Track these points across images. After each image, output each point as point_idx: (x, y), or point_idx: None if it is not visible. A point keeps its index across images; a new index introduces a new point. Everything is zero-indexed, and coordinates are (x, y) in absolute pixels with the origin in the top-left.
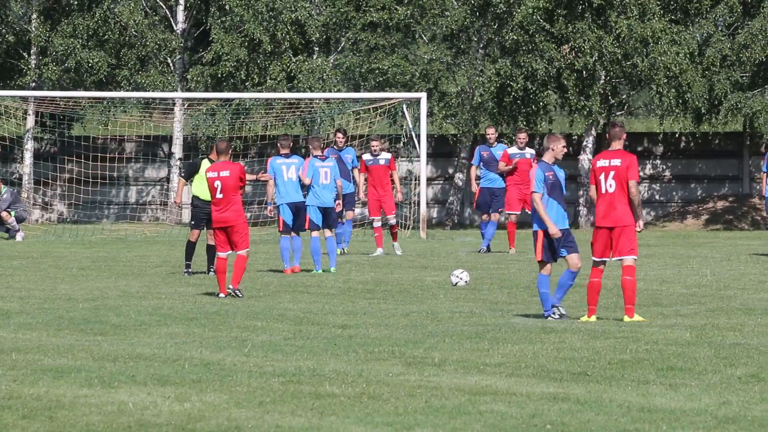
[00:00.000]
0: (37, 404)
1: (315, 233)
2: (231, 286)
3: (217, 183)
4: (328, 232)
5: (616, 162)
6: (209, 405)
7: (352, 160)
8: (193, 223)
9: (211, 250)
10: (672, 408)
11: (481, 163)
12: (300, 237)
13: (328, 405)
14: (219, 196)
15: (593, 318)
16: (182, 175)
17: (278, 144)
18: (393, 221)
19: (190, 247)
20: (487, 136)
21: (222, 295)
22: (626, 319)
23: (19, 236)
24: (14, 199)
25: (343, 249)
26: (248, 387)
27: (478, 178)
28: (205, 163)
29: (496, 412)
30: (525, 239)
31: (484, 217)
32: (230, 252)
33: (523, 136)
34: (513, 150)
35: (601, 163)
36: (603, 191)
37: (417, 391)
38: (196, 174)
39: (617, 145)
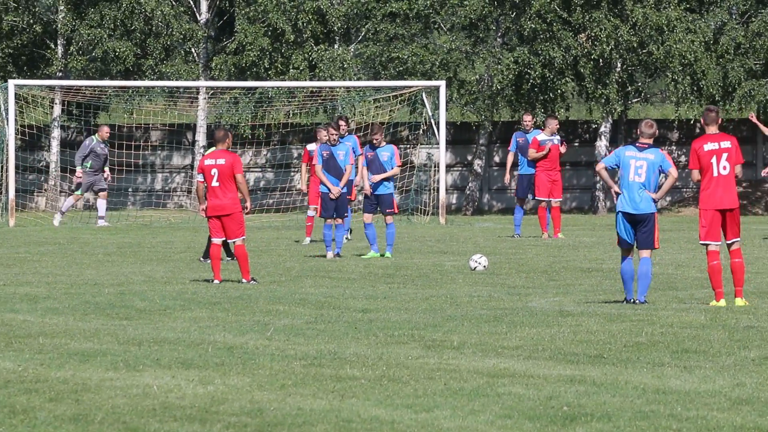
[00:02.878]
0: (64, 387)
1: (329, 221)
2: (244, 280)
3: (214, 171)
4: (338, 220)
5: (727, 144)
6: (232, 388)
7: (353, 147)
8: None
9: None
10: (686, 390)
11: (518, 150)
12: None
13: (349, 388)
14: (215, 184)
15: (722, 302)
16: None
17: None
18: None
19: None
20: (524, 123)
21: (216, 281)
22: (738, 302)
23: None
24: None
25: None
26: (270, 370)
27: (515, 165)
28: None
29: (514, 394)
30: (566, 223)
31: (520, 202)
32: (224, 239)
33: (555, 123)
34: (542, 136)
35: (710, 146)
36: (715, 174)
37: (436, 373)
38: None
39: (714, 128)
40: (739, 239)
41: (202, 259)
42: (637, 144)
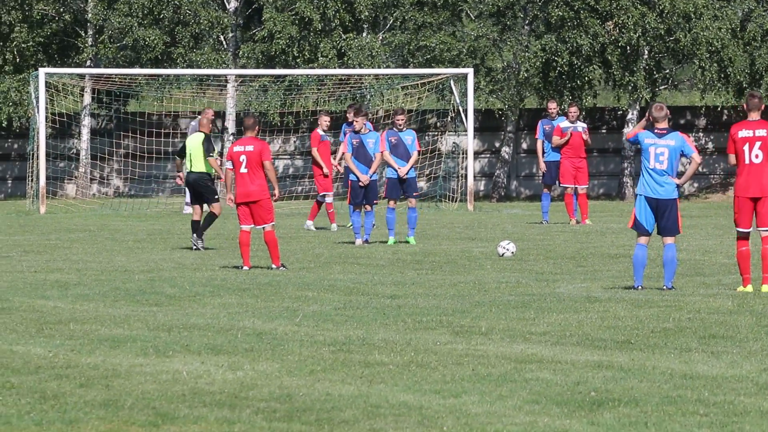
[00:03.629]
0: (94, 373)
1: (357, 208)
2: (274, 266)
3: (243, 158)
4: (367, 207)
5: (762, 132)
6: (261, 373)
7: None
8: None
9: (195, 225)
10: (714, 375)
11: (544, 137)
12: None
13: (377, 373)
14: (243, 170)
15: (749, 287)
16: (177, 155)
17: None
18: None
19: (195, 224)
20: (549, 110)
21: (245, 267)
22: (764, 288)
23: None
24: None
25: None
26: (299, 356)
27: (543, 151)
28: (192, 139)
29: (542, 380)
30: (594, 209)
31: (546, 189)
32: (252, 226)
33: (574, 110)
34: (565, 124)
35: (744, 133)
36: (747, 161)
37: (464, 359)
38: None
39: (756, 115)
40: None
41: (196, 243)
42: (654, 130)
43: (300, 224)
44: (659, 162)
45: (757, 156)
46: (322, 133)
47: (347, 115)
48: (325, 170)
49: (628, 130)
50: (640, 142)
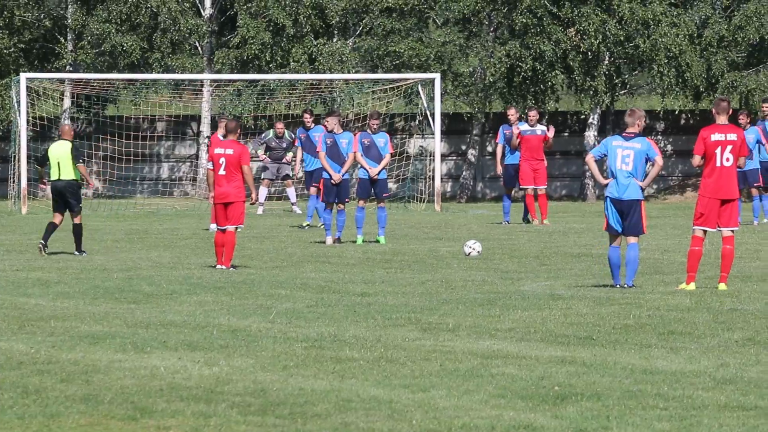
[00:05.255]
0: (75, 368)
1: (328, 206)
2: (222, 266)
3: (222, 160)
4: (339, 206)
5: (732, 137)
6: (236, 369)
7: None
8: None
9: (51, 228)
10: (673, 370)
11: (505, 142)
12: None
13: (348, 368)
14: (222, 172)
15: (692, 286)
16: (38, 163)
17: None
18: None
19: (52, 226)
20: (509, 116)
21: (220, 266)
22: (721, 286)
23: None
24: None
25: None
26: (273, 352)
27: (503, 156)
28: (59, 147)
29: (507, 375)
30: (556, 210)
31: (508, 191)
32: (228, 227)
33: (533, 114)
34: (524, 127)
35: (717, 137)
36: (718, 164)
37: (432, 355)
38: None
39: (724, 119)
40: (736, 228)
41: (43, 247)
42: (623, 134)
43: (272, 224)
44: (625, 164)
45: (728, 159)
46: (221, 137)
47: (304, 119)
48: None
49: (589, 135)
50: (608, 148)
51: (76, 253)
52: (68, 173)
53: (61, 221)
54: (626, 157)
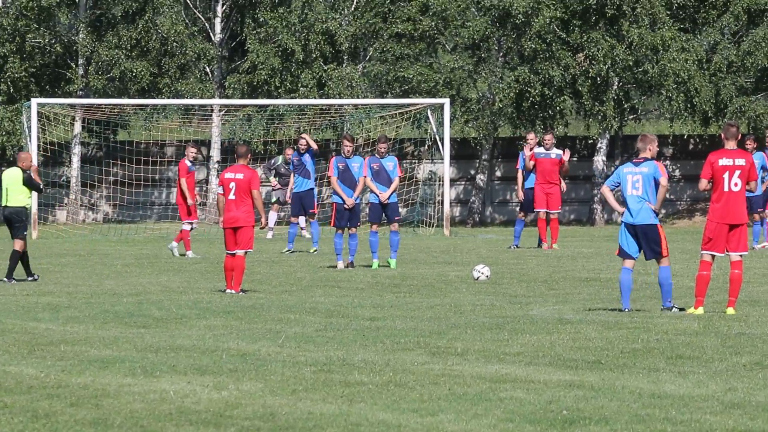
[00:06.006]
0: (84, 393)
1: (340, 231)
2: (232, 290)
3: (232, 184)
4: (352, 230)
5: (741, 162)
6: (245, 393)
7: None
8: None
9: (15, 256)
10: (681, 394)
11: (524, 168)
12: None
13: (357, 393)
14: (232, 197)
15: (700, 310)
16: None
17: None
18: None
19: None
20: (528, 141)
21: (229, 290)
22: (729, 311)
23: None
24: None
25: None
26: (282, 376)
27: (524, 179)
28: (11, 174)
29: (515, 399)
30: (565, 235)
31: (521, 215)
32: (237, 251)
33: (549, 138)
34: (539, 150)
35: (725, 161)
36: (726, 189)
37: (441, 379)
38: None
39: (733, 144)
40: (745, 253)
41: (6, 279)
42: (633, 160)
43: (281, 248)
44: (635, 188)
45: (736, 184)
46: (188, 164)
47: (299, 146)
48: (189, 200)
49: (598, 160)
50: (620, 176)
51: (29, 278)
52: (16, 200)
53: (22, 246)
54: (636, 182)
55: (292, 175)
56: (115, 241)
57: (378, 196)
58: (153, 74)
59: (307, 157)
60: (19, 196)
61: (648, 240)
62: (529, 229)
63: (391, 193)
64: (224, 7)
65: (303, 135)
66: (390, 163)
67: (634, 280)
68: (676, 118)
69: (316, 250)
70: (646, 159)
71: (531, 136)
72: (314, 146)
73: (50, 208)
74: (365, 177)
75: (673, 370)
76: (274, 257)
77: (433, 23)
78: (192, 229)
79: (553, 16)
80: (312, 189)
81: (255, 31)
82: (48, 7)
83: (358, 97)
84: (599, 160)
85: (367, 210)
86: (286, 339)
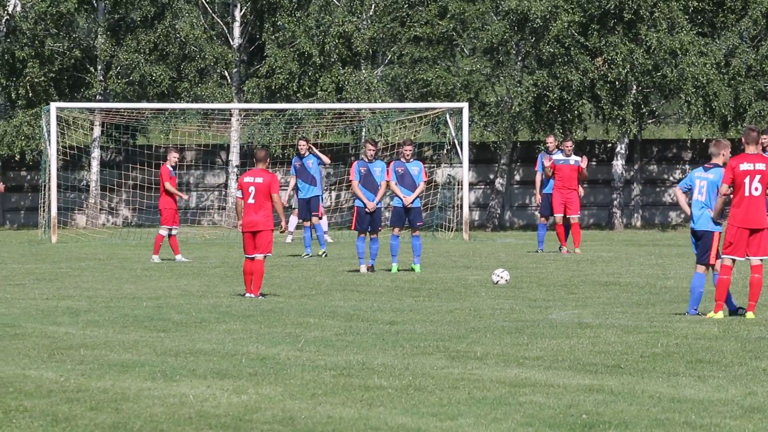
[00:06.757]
0: (104, 397)
1: (362, 234)
2: (251, 294)
3: (251, 189)
4: (373, 234)
5: (761, 166)
6: (265, 397)
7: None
8: None
9: None
10: (700, 398)
11: (543, 171)
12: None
13: (377, 397)
14: (251, 201)
15: (720, 314)
16: None
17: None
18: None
19: None
20: (547, 145)
21: (249, 294)
22: (749, 315)
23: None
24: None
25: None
26: (301, 380)
27: (542, 184)
28: None
29: (535, 403)
30: (584, 239)
31: (542, 220)
32: (256, 255)
33: (569, 144)
34: (558, 156)
35: (745, 166)
36: (747, 194)
37: (460, 383)
38: None
39: (754, 149)
40: (765, 257)
41: None
42: (705, 165)
43: (300, 252)
44: (701, 194)
45: (756, 189)
46: (170, 168)
47: (298, 146)
48: (183, 199)
49: (617, 164)
50: (692, 180)
51: None
52: None
53: None
54: (702, 188)
55: (293, 179)
56: (135, 245)
57: (402, 199)
58: (172, 78)
59: (310, 163)
60: None
61: (702, 246)
62: (550, 234)
63: (415, 198)
64: (243, 12)
65: (311, 146)
66: (415, 167)
67: (654, 284)
68: (694, 123)
69: (308, 255)
70: (716, 165)
71: (551, 139)
72: (326, 160)
73: (70, 212)
74: (389, 180)
75: (693, 374)
76: (293, 261)
77: (451, 26)
78: (170, 236)
79: (571, 20)
80: (318, 196)
81: (273, 36)
82: (67, 12)
83: (375, 101)
84: (618, 164)
85: (388, 214)
86: (305, 343)
